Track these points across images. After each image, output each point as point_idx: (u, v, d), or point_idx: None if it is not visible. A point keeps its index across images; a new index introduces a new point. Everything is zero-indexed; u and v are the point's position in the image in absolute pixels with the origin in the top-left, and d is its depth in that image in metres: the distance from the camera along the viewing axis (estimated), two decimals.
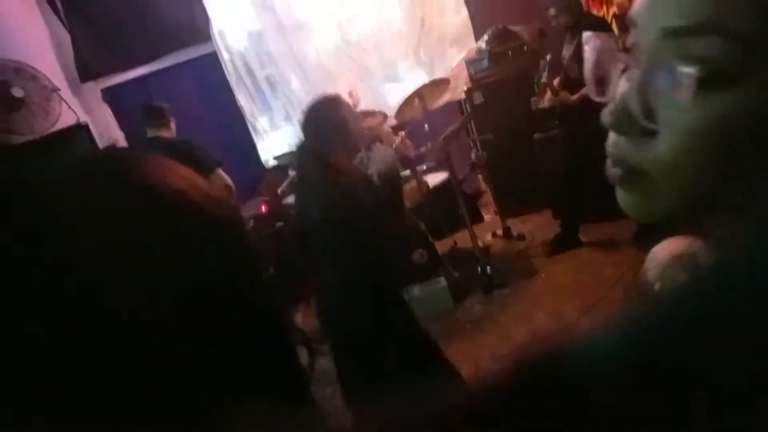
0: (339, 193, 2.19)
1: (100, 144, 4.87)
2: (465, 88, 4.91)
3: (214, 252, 0.47)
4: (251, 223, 4.27)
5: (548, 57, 3.92)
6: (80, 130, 4.52)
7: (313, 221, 2.32)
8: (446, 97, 4.98)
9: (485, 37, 4.75)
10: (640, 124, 0.43)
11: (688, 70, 0.39)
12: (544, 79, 3.79)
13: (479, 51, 4.80)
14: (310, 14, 5.23)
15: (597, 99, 0.47)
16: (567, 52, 3.82)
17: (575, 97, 3.66)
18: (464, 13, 5.19)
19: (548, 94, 3.84)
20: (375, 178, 2.88)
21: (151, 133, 3.90)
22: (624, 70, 0.47)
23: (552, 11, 3.78)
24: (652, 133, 0.43)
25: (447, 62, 5.28)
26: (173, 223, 0.46)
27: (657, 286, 0.54)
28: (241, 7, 5.18)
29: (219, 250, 0.48)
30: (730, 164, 0.40)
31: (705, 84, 0.38)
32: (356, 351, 2.32)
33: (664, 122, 0.42)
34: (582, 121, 3.45)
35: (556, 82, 3.88)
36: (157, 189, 0.48)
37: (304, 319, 4.22)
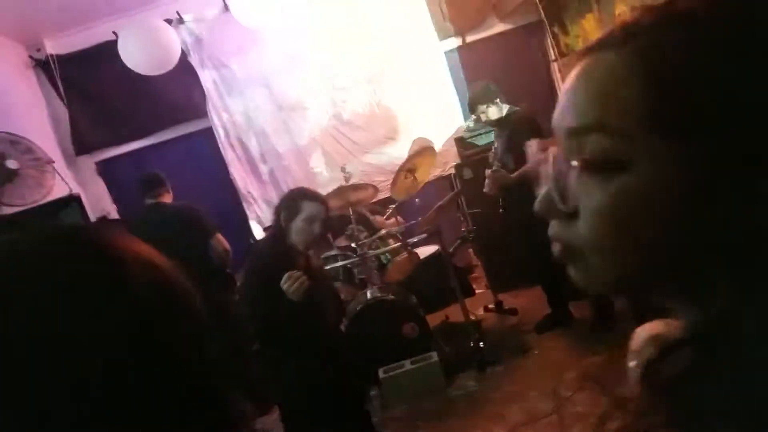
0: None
1: (92, 216, 4.88)
2: (454, 164, 5.02)
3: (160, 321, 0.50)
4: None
5: (495, 146, 4.06)
6: (72, 201, 4.54)
7: None
8: (436, 172, 5.08)
9: (472, 116, 4.91)
10: (561, 210, 0.50)
11: (577, 162, 0.48)
12: (495, 167, 3.88)
13: (468, 129, 4.96)
14: (305, 95, 5.39)
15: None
16: (499, 145, 4.00)
17: (514, 175, 3.76)
18: (452, 93, 5.38)
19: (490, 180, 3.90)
20: None
21: (150, 201, 3.97)
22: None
23: (480, 107, 3.96)
24: (575, 215, 0.49)
25: (436, 139, 5.41)
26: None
27: (632, 365, 0.57)
28: (238, 84, 5.33)
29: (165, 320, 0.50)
30: (646, 239, 0.46)
31: (598, 171, 0.47)
32: None
33: (580, 206, 0.49)
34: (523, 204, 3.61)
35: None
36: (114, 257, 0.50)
37: None
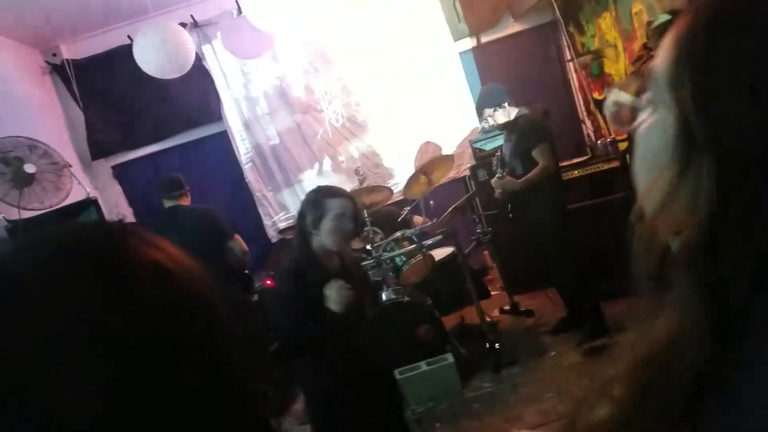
0: None
1: (109, 219, 4.92)
2: (469, 166, 5.01)
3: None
4: (255, 297, 4.29)
5: (498, 153, 4.02)
6: (90, 204, 4.57)
7: None
8: (451, 174, 5.06)
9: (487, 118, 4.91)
10: None
11: None
12: (498, 174, 3.85)
13: (482, 131, 4.94)
14: (318, 97, 5.41)
15: None
16: (507, 149, 3.94)
17: (520, 181, 3.74)
18: (467, 94, 5.37)
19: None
20: None
21: (169, 203, 4.00)
22: None
23: (487, 111, 3.92)
24: None
25: (451, 141, 5.40)
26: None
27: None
28: (252, 87, 5.35)
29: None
30: None
31: None
32: None
33: None
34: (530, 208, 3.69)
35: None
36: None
37: None
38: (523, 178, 3.72)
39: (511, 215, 3.98)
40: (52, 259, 0.48)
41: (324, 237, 2.25)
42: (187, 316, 0.50)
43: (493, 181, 3.90)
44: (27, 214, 4.28)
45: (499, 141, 4.85)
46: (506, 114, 3.86)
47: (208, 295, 0.54)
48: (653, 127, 0.53)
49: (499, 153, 4.03)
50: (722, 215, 0.45)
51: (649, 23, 3.51)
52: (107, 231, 0.53)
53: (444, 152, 5.07)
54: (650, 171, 0.53)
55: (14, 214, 4.20)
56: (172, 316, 0.49)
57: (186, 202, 4.08)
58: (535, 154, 3.69)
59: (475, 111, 5.30)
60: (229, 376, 0.52)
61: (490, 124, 4.02)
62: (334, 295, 2.13)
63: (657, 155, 0.52)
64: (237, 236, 3.97)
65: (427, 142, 5.27)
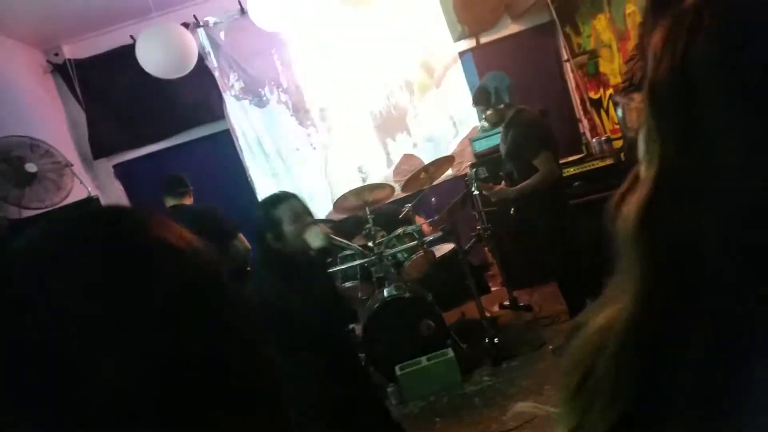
0: None
1: None
2: (469, 163, 5.07)
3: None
4: None
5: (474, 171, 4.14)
6: (90, 203, 4.59)
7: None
8: (451, 172, 5.12)
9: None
10: None
11: None
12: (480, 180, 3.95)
13: (482, 129, 5.01)
14: (321, 96, 5.46)
15: None
16: (502, 149, 3.89)
17: (513, 190, 3.73)
18: (467, 93, 5.43)
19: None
20: None
21: (171, 202, 4.04)
22: None
23: (481, 108, 3.91)
24: None
25: (453, 139, 5.47)
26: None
27: None
28: (255, 86, 5.39)
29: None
30: None
31: None
32: None
33: None
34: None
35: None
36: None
37: None
38: (518, 187, 3.66)
39: (513, 211, 4.01)
40: (79, 237, 0.51)
41: (297, 241, 2.24)
42: (199, 290, 0.54)
43: (484, 193, 3.90)
44: (28, 213, 4.30)
45: (498, 140, 4.91)
46: (498, 114, 3.75)
47: (217, 270, 0.58)
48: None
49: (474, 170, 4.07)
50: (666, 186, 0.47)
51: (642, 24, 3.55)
52: (130, 212, 0.58)
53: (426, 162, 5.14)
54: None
55: (16, 213, 4.22)
56: (187, 290, 0.52)
57: (189, 201, 4.13)
58: (536, 162, 3.57)
59: (474, 109, 5.40)
60: (241, 342, 0.56)
61: (484, 124, 4.04)
62: (315, 230, 2.17)
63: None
64: (240, 235, 4.01)
65: (410, 155, 5.35)
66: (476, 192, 3.99)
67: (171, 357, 0.48)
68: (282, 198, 2.32)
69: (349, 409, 2.27)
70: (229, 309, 0.56)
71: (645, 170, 0.50)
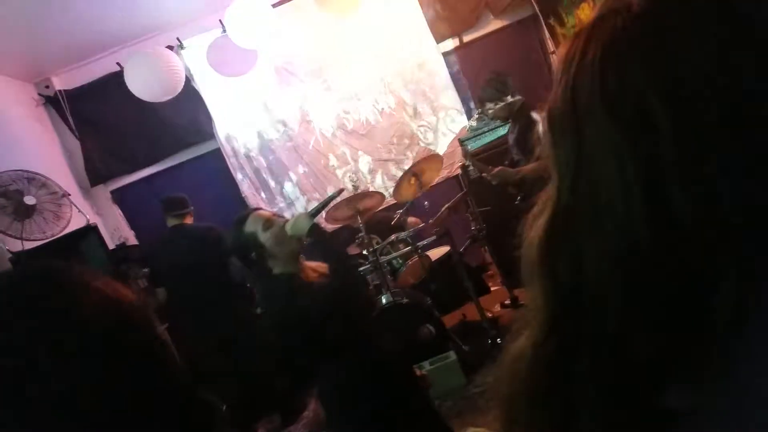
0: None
1: (110, 243, 5.00)
2: (461, 164, 5.06)
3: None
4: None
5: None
6: (90, 231, 4.65)
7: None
8: (443, 174, 5.11)
9: (475, 115, 4.98)
10: None
11: None
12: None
13: (470, 129, 5.00)
14: (307, 108, 5.46)
15: None
16: (510, 138, 4.01)
17: (516, 171, 3.80)
18: (453, 94, 5.42)
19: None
20: None
21: (173, 222, 4.17)
22: None
23: (488, 105, 3.96)
24: None
25: (441, 142, 5.46)
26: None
27: None
28: (242, 103, 5.42)
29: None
30: None
31: None
32: None
33: None
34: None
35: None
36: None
37: None
38: (520, 170, 3.73)
39: (518, 200, 3.97)
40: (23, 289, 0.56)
41: (284, 258, 2.17)
42: (127, 333, 0.56)
43: (485, 174, 3.95)
44: (30, 245, 4.36)
45: (487, 138, 4.91)
46: (507, 109, 3.87)
47: (144, 316, 0.60)
48: None
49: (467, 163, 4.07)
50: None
51: None
52: (62, 268, 0.60)
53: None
54: None
55: (17, 246, 4.27)
56: (117, 332, 0.55)
57: (189, 221, 4.25)
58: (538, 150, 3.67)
59: (462, 110, 5.40)
60: (168, 381, 0.58)
61: (473, 124, 4.05)
62: (293, 220, 2.16)
63: None
64: None
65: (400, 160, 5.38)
66: (473, 176, 4.09)
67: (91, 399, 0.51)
68: (246, 214, 2.26)
69: (399, 411, 2.21)
70: (156, 358, 0.57)
71: (548, 198, 0.50)
